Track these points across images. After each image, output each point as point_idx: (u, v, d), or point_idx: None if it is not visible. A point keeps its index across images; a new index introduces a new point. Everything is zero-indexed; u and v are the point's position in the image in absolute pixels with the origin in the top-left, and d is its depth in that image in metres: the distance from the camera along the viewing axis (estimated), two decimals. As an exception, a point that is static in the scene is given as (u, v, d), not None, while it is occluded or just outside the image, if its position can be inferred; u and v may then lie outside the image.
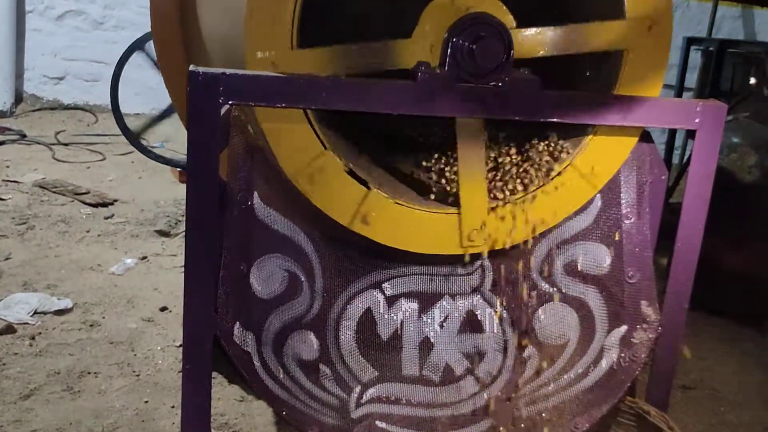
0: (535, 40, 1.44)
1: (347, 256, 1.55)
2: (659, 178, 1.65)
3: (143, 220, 3.65)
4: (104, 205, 3.79)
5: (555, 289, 1.63)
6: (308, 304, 1.53)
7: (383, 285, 1.58)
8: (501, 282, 1.62)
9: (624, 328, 1.63)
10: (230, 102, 1.33)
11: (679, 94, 4.31)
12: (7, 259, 3.07)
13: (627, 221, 1.64)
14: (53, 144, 4.80)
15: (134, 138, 3.92)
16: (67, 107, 5.52)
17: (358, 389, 1.54)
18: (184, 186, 1.39)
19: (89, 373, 2.32)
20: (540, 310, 1.63)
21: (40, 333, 2.52)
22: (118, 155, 4.71)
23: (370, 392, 1.54)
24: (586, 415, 1.58)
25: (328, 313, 1.54)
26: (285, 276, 1.51)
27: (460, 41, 1.40)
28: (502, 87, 1.41)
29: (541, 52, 1.44)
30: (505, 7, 1.43)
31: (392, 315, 1.58)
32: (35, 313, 2.65)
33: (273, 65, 1.35)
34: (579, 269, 1.63)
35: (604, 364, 1.61)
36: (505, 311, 1.62)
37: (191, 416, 1.46)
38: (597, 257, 1.64)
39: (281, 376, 1.49)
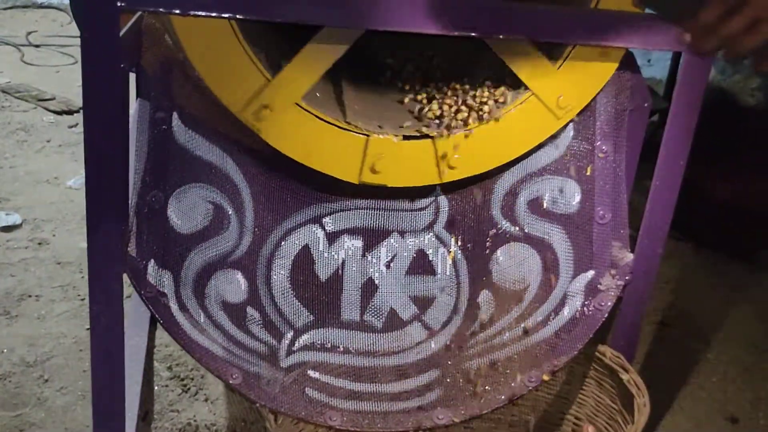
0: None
1: (284, 186, 1.38)
2: (641, 107, 1.45)
3: (109, 130, 3.45)
4: (69, 113, 3.58)
5: (516, 228, 1.46)
6: (236, 240, 1.37)
7: (324, 220, 1.41)
8: (456, 220, 1.45)
9: (591, 273, 1.47)
10: (131, 8, 1.13)
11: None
12: (-42, 169, 2.91)
13: (601, 155, 1.46)
14: (23, 45, 4.54)
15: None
16: (41, 6, 5.21)
17: (290, 335, 1.39)
18: None
19: (30, 296, 2.18)
20: (499, 251, 1.46)
21: (-18, 251, 2.38)
22: (90, 59, 4.45)
23: (304, 338, 1.40)
24: (543, 367, 1.44)
25: (259, 250, 1.38)
26: (209, 208, 1.34)
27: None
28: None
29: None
30: None
31: (333, 253, 1.42)
32: (-20, 229, 2.50)
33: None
34: (544, 207, 1.46)
35: (566, 312, 1.46)
36: (459, 251, 1.45)
37: (101, 363, 1.32)
38: (565, 194, 1.46)
39: (201, 320, 1.34)
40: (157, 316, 1.32)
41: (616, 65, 1.35)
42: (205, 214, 1.34)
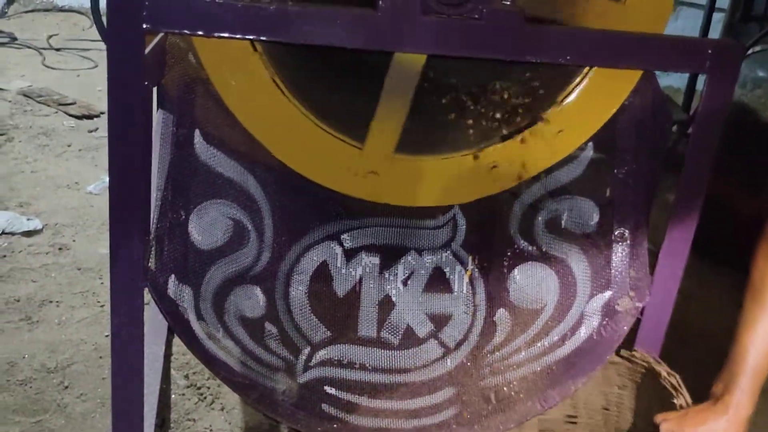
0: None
1: (303, 203, 1.39)
2: (662, 126, 1.45)
3: (129, 135, 3.48)
4: (89, 117, 3.63)
5: (534, 247, 1.46)
6: (255, 255, 1.38)
7: (342, 236, 1.42)
8: (474, 238, 1.45)
9: (608, 293, 1.46)
10: (156, 30, 1.14)
11: (708, 16, 3.99)
12: (-20, 173, 2.95)
13: (621, 174, 1.46)
14: (44, 48, 4.60)
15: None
16: (62, 9, 5.29)
17: (307, 351, 1.40)
18: None
19: (51, 301, 2.21)
20: (516, 270, 1.46)
21: (4, 256, 2.41)
22: (111, 63, 4.50)
23: (321, 354, 1.41)
24: (557, 388, 1.44)
25: (278, 266, 1.39)
26: (229, 224, 1.36)
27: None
28: (478, 20, 1.20)
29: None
30: None
31: (350, 270, 1.42)
32: (3, 233, 2.53)
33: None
34: (562, 226, 1.46)
35: (583, 332, 1.46)
36: (476, 270, 1.46)
37: (121, 374, 1.33)
38: (584, 214, 1.46)
39: (220, 335, 1.35)
40: (176, 330, 1.34)
41: (634, 82, 1.35)
42: (225, 230, 1.35)
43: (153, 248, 1.31)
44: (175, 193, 1.32)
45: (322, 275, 1.41)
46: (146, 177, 1.26)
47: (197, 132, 1.32)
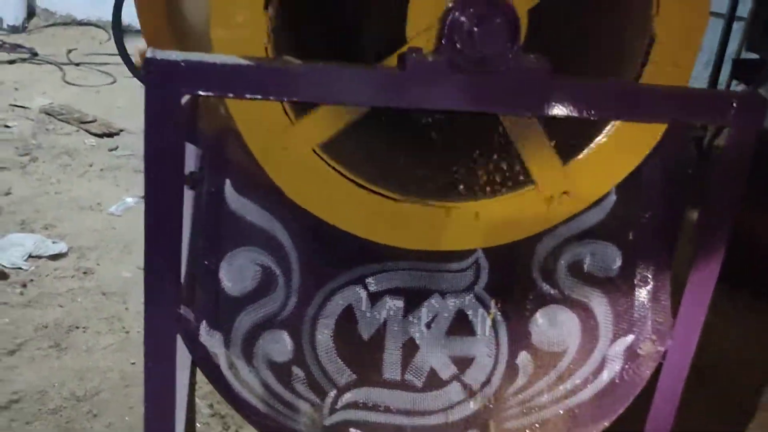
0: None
1: (329, 248, 1.42)
2: (684, 174, 1.47)
3: (149, 153, 3.52)
4: (109, 135, 3.68)
5: (556, 290, 1.49)
6: (283, 301, 1.41)
7: (367, 280, 1.45)
8: (497, 281, 1.48)
9: (630, 337, 1.49)
10: (190, 92, 1.17)
11: (728, 25, 3.98)
12: (7, 194, 2.99)
13: (644, 219, 1.48)
14: (64, 64, 4.66)
15: (136, 69, 3.72)
16: (80, 23, 5.34)
17: (333, 394, 1.43)
18: None
19: (77, 327, 2.26)
20: (538, 314, 1.49)
21: (32, 280, 2.45)
22: (128, 77, 4.53)
23: (347, 397, 1.44)
24: (581, 431, 1.47)
25: (304, 310, 1.42)
26: (258, 271, 1.39)
27: (461, 18, 1.21)
28: (505, 77, 1.23)
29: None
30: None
31: (375, 313, 1.45)
32: (30, 257, 2.58)
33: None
34: (585, 270, 1.48)
35: (605, 376, 1.48)
36: (499, 313, 1.48)
37: (154, 416, 1.37)
38: (606, 258, 1.48)
39: (249, 379, 1.38)
40: (206, 375, 1.37)
41: (660, 131, 1.37)
42: (254, 276, 1.39)
43: (185, 296, 1.34)
44: (206, 241, 1.36)
45: (348, 319, 1.44)
46: (180, 226, 1.30)
47: (228, 182, 1.36)
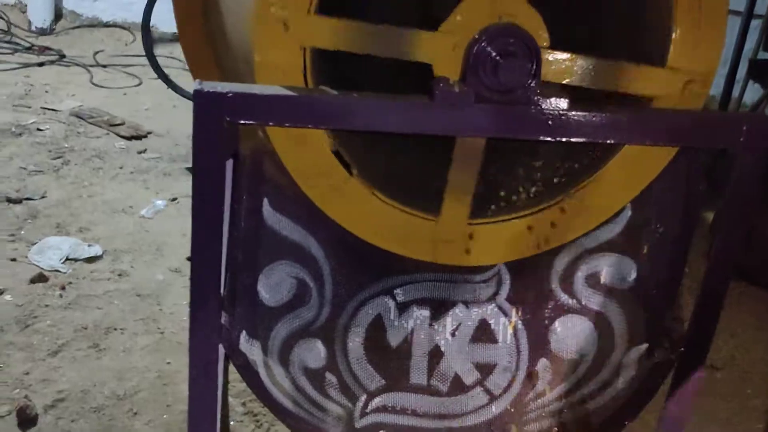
0: (565, 66, 1.33)
1: (359, 261, 1.51)
2: (697, 190, 1.55)
3: (176, 156, 3.64)
4: (138, 138, 3.79)
5: (574, 300, 1.57)
6: (316, 311, 1.50)
7: (395, 291, 1.54)
8: (517, 291, 1.57)
9: (645, 345, 1.57)
10: (235, 121, 1.27)
11: (746, 22, 3.98)
12: (43, 197, 3.11)
13: (657, 234, 1.56)
14: (91, 65, 4.78)
15: (159, 68, 3.82)
16: (106, 24, 5.45)
17: (363, 398, 1.53)
18: None
19: (115, 329, 2.37)
20: (557, 322, 1.57)
21: (70, 283, 2.57)
22: (153, 79, 4.65)
23: (376, 401, 1.53)
24: (597, 434, 1.56)
25: (336, 320, 1.52)
26: (293, 283, 1.48)
27: (487, 50, 1.29)
28: (525, 107, 1.31)
29: (566, 80, 1.33)
30: (542, 22, 1.31)
31: (403, 322, 1.55)
32: (67, 259, 2.69)
33: (284, 25, 1.26)
34: (601, 281, 1.57)
35: (621, 383, 1.57)
36: (520, 321, 1.57)
37: (198, 422, 1.47)
38: (622, 270, 1.56)
39: (286, 385, 1.48)
40: (246, 380, 1.47)
41: (670, 157, 1.45)
42: (289, 289, 1.48)
43: (226, 308, 1.44)
44: (245, 256, 1.45)
45: (377, 327, 1.54)
46: (221, 244, 1.39)
47: (265, 200, 1.45)
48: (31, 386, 2.08)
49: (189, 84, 3.34)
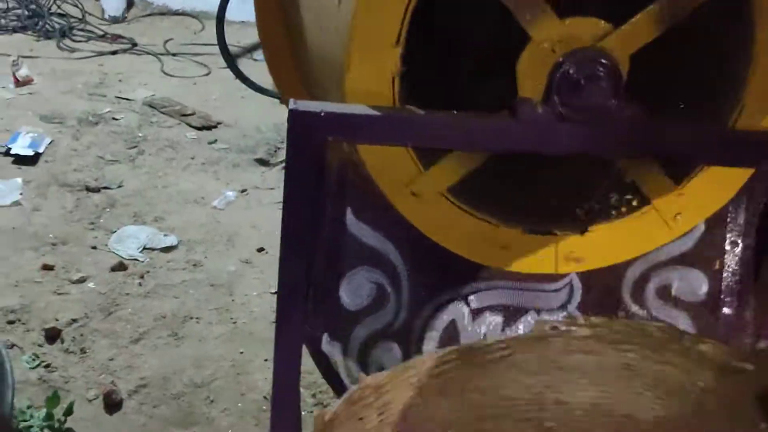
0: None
1: (436, 268, 1.57)
2: (771, 204, 1.56)
3: (244, 147, 3.74)
4: (208, 128, 3.90)
5: (644, 311, 1.60)
6: (394, 314, 1.57)
7: (469, 297, 1.60)
8: (589, 301, 1.61)
9: (714, 358, 1.60)
10: (327, 137, 1.33)
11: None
12: (119, 186, 3.25)
13: (730, 249, 1.58)
14: (162, 54, 4.91)
15: (233, 63, 3.89)
16: (176, 13, 5.58)
17: (438, 400, 1.59)
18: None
19: (191, 318, 2.48)
20: None
21: (148, 272, 2.69)
22: (221, 68, 4.76)
23: (450, 403, 1.60)
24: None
25: (412, 324, 1.58)
26: (373, 288, 1.55)
27: (570, 73, 1.33)
28: (609, 125, 1.34)
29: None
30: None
31: (476, 328, 1.60)
32: (144, 248, 2.82)
33: (375, 57, 1.31)
34: (672, 294, 1.60)
35: (689, 394, 1.60)
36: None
37: (280, 417, 1.55)
38: (693, 283, 1.59)
39: (364, 385, 1.56)
40: (327, 380, 1.55)
41: (748, 175, 1.47)
42: (369, 293, 1.55)
43: (310, 312, 1.52)
44: (328, 262, 1.53)
45: (451, 332, 1.60)
46: (311, 254, 1.47)
47: (348, 209, 1.52)
48: (115, 372, 2.21)
49: (256, 74, 3.45)
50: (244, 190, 3.32)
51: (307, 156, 1.34)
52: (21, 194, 3.11)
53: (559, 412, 0.98)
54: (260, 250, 2.89)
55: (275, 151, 3.69)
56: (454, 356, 1.00)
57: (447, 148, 1.36)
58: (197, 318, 2.48)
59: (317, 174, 1.40)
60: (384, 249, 1.55)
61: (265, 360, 2.31)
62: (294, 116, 1.31)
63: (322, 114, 1.31)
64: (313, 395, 2.22)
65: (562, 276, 1.59)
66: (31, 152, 3.40)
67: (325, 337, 1.53)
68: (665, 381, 0.98)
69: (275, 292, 2.56)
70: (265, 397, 2.14)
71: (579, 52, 1.32)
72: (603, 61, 1.32)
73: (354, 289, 1.55)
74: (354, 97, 1.35)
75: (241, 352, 2.34)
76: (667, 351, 0.97)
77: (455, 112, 1.36)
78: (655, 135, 1.38)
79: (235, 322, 2.48)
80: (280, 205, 3.05)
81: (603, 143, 1.37)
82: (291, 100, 1.33)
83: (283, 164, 3.45)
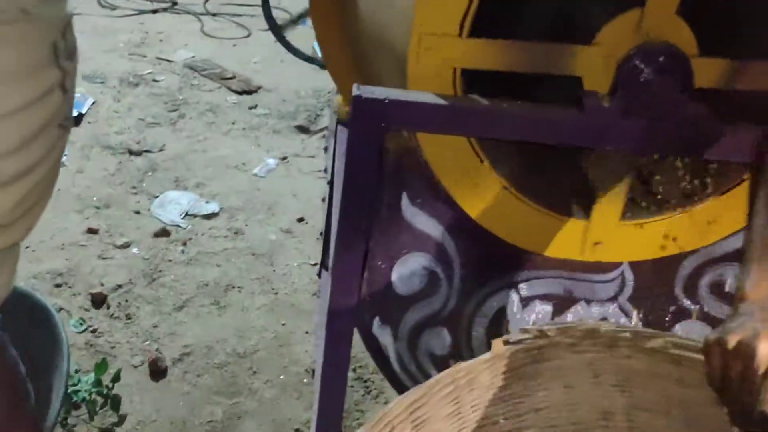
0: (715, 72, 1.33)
1: (487, 256, 1.57)
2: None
3: (284, 113, 3.73)
4: (248, 92, 3.89)
5: (696, 306, 1.59)
6: (444, 300, 1.58)
7: (520, 285, 1.59)
8: (640, 293, 1.60)
9: None
10: (390, 128, 1.32)
11: None
12: (161, 150, 3.27)
13: (787, 247, 1.55)
14: (202, 14, 4.89)
15: (278, 28, 3.87)
16: (216, -29, 5.53)
17: (485, 386, 1.60)
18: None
19: (233, 287, 2.51)
20: (677, 326, 1.60)
21: (190, 239, 2.72)
22: (262, 31, 4.73)
23: (496, 390, 1.60)
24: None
25: (462, 310, 1.59)
26: (425, 274, 1.56)
27: (640, 68, 1.30)
28: (676, 124, 1.32)
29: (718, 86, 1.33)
30: (691, 34, 1.31)
31: (525, 316, 1.60)
32: (186, 215, 2.84)
33: (438, 51, 1.30)
34: (725, 290, 1.58)
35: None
36: (640, 323, 1.61)
37: (327, 395, 1.58)
38: (747, 280, 1.57)
39: (413, 369, 1.57)
40: (377, 363, 1.56)
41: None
42: (421, 279, 1.56)
43: (363, 296, 1.53)
44: (381, 246, 1.53)
45: (500, 319, 1.60)
46: (365, 239, 1.47)
47: (404, 194, 1.51)
48: (159, 339, 2.24)
49: (297, 40, 3.40)
50: (284, 158, 3.32)
51: (369, 143, 1.34)
52: (65, 155, 3.14)
53: (535, 418, 1.02)
54: (300, 220, 2.90)
55: (315, 118, 3.68)
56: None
57: (510, 139, 1.34)
58: (239, 287, 2.50)
59: (377, 160, 1.39)
60: (437, 235, 1.55)
61: (306, 332, 2.34)
62: (358, 103, 1.30)
63: (387, 101, 1.30)
64: (354, 370, 2.24)
65: (614, 268, 1.58)
66: (75, 112, 3.42)
67: (377, 320, 1.54)
68: (630, 373, 1.01)
69: (315, 264, 2.60)
70: (306, 370, 2.17)
71: (648, 45, 1.29)
72: (673, 56, 1.29)
73: (406, 275, 1.55)
74: (416, 84, 1.33)
75: (283, 324, 2.37)
76: (623, 348, 1.00)
77: (518, 102, 1.35)
78: (723, 137, 1.35)
79: (276, 293, 2.50)
80: (320, 175, 3.09)
81: (669, 141, 1.34)
82: (355, 86, 1.32)
83: (323, 132, 3.45)
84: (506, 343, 1.01)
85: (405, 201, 1.52)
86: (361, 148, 1.34)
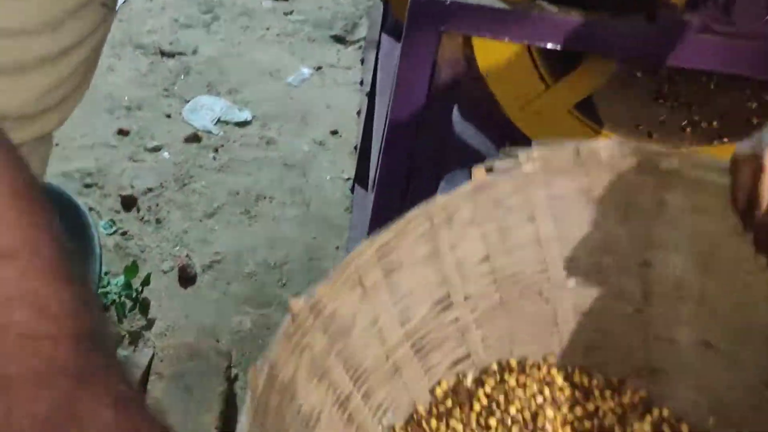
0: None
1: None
2: None
3: (320, 20, 3.59)
4: (284, -2, 3.75)
5: None
6: (490, 222, 1.51)
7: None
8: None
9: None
10: (448, 30, 1.23)
11: None
12: (194, 53, 3.17)
13: None
14: None
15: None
16: None
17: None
18: None
19: (264, 197, 2.46)
20: None
21: (222, 145, 2.66)
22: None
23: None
24: None
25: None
26: (471, 192, 1.49)
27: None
28: (756, 42, 1.21)
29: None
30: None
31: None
32: (218, 121, 2.77)
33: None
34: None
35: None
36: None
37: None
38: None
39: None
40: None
41: None
42: (467, 197, 1.49)
43: (406, 207, 1.47)
44: (429, 160, 1.46)
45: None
46: (411, 151, 1.40)
47: (455, 108, 1.43)
48: (189, 245, 2.21)
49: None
50: (319, 68, 3.21)
51: (425, 46, 1.25)
52: (95, 53, 3.06)
53: (523, 255, 0.84)
54: (334, 132, 2.82)
55: (352, 27, 3.54)
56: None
57: (576, 50, 1.25)
58: (270, 197, 2.45)
59: (431, 66, 1.31)
60: (487, 151, 1.47)
61: (336, 248, 2.30)
62: (415, 5, 1.21)
63: (447, 2, 1.20)
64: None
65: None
66: (105, 10, 3.32)
67: (419, 238, 1.48)
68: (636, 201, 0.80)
69: (348, 179, 2.53)
70: (335, 286, 2.13)
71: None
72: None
73: (453, 189, 1.48)
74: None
75: (314, 238, 2.32)
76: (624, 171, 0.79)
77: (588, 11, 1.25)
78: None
79: (308, 205, 2.45)
80: (356, 87, 2.98)
81: (747, 63, 1.24)
82: (413, -15, 1.23)
83: (360, 43, 3.32)
84: (489, 170, 0.85)
85: (456, 114, 1.44)
86: (416, 54, 1.25)
